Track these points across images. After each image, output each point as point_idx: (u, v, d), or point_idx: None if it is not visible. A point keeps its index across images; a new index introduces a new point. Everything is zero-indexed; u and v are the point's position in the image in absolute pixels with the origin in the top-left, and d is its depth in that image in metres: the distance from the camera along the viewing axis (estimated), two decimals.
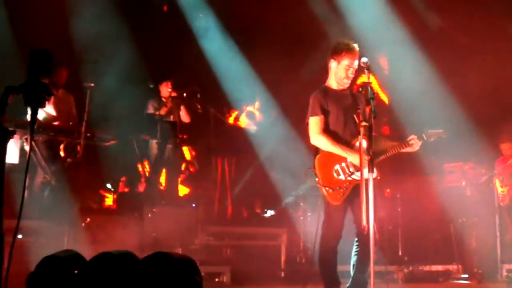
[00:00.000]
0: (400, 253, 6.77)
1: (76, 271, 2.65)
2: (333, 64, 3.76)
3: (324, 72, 4.08)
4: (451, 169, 6.96)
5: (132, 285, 2.48)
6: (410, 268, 6.45)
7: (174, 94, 6.62)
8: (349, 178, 3.69)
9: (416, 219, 7.01)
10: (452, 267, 6.78)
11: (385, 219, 6.46)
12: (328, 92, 3.78)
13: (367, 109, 3.58)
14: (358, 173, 3.62)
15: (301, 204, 6.56)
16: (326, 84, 3.84)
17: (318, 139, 3.74)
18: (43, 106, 2.60)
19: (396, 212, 6.77)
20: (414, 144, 3.81)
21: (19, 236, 4.24)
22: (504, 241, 6.38)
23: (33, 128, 3.06)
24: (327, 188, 3.68)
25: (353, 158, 3.67)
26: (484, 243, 6.52)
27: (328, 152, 3.72)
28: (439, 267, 6.85)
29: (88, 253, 2.76)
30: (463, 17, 7.27)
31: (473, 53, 7.18)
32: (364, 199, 3.31)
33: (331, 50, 3.82)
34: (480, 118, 6.93)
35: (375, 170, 3.44)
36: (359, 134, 3.47)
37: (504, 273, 6.34)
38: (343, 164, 3.73)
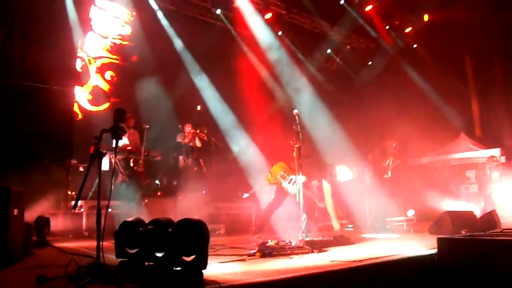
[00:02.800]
0: (316, 215, 7.61)
1: (140, 229, 3.12)
2: None
3: None
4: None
5: (170, 236, 2.89)
6: (322, 224, 7.72)
7: (192, 130, 8.88)
8: (281, 181, 5.73)
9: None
10: (345, 221, 8.78)
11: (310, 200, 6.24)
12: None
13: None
14: (286, 183, 5.68)
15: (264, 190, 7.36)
16: None
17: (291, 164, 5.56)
18: (121, 138, 3.12)
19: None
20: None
21: (109, 210, 3.65)
22: (370, 209, 8.06)
23: (116, 150, 3.35)
24: (270, 178, 5.82)
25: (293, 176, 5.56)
26: (358, 208, 8.33)
27: (280, 164, 5.82)
28: None
29: (146, 219, 3.23)
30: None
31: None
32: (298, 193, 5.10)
33: None
34: (355, 139, 9.50)
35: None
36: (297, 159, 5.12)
37: (368, 224, 8.13)
38: (283, 174, 5.76)
